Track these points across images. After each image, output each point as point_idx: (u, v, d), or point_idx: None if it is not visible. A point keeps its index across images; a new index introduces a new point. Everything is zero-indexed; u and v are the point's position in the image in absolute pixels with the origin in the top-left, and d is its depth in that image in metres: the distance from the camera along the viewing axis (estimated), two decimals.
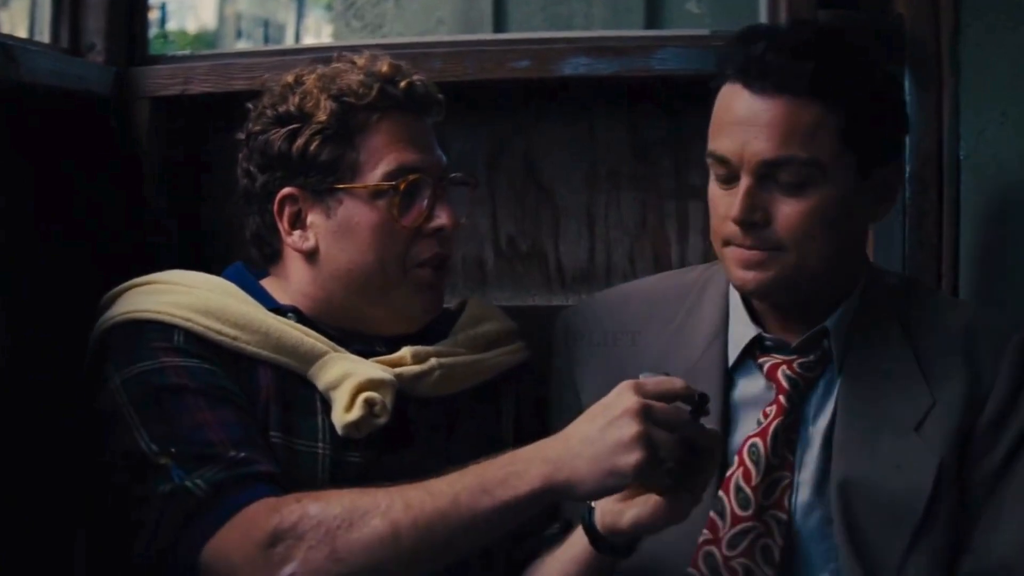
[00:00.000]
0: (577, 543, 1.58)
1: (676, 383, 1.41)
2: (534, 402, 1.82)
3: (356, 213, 1.66)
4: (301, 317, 1.67)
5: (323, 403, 1.63)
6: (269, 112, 1.69)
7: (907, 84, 1.96)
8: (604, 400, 1.40)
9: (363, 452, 1.61)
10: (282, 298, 1.70)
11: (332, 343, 1.65)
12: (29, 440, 1.78)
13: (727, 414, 1.67)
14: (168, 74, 2.06)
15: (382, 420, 1.61)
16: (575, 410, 1.46)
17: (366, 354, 1.66)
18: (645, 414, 1.37)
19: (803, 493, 1.63)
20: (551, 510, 1.65)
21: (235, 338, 1.61)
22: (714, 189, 1.64)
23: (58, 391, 1.76)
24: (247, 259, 1.77)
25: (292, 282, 1.71)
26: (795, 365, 1.66)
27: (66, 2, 2.02)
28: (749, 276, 1.61)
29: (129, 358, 1.58)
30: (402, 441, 1.65)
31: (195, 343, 1.59)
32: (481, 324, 1.79)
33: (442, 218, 1.68)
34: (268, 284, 1.73)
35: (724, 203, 1.61)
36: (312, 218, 1.67)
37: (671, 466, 1.40)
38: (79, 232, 1.96)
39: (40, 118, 1.88)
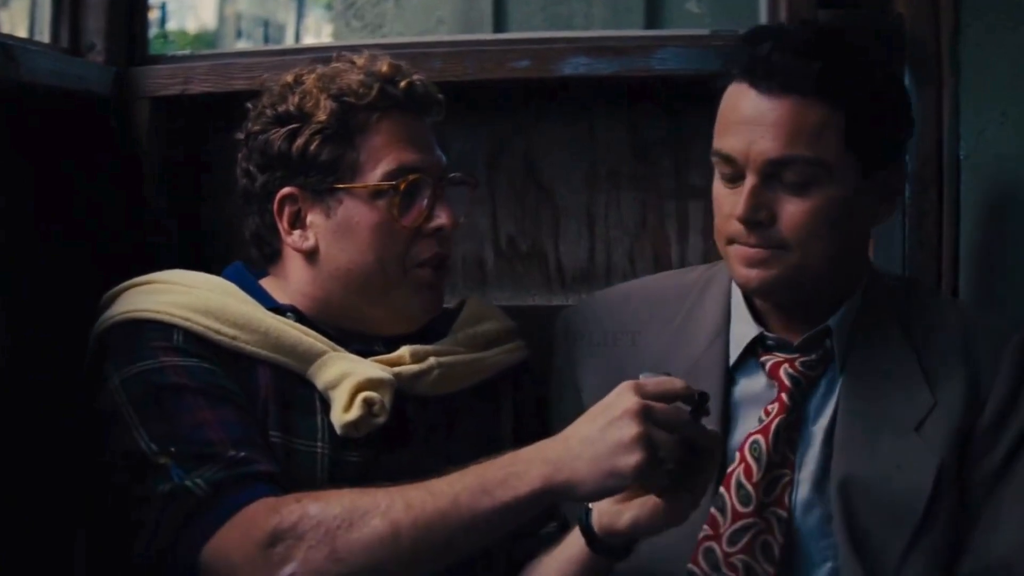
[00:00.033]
0: (574, 543, 1.58)
1: (676, 383, 1.41)
2: (533, 401, 1.82)
3: (356, 213, 1.66)
4: (300, 317, 1.67)
5: (322, 402, 1.62)
6: (269, 112, 1.69)
7: (907, 84, 1.96)
8: (604, 401, 1.40)
9: (362, 451, 1.61)
10: (281, 298, 1.70)
11: (331, 342, 1.65)
12: (29, 440, 1.78)
13: (728, 412, 1.68)
14: (168, 74, 2.06)
15: (381, 419, 1.61)
16: (576, 410, 1.46)
17: (365, 353, 1.66)
18: (645, 415, 1.36)
19: (803, 491, 1.64)
20: (549, 509, 1.65)
21: (234, 337, 1.61)
22: (719, 188, 1.64)
23: (58, 391, 1.76)
24: (247, 259, 1.77)
25: (291, 282, 1.71)
26: (797, 364, 1.66)
27: (66, 2, 2.02)
28: (752, 274, 1.61)
29: (128, 358, 1.57)
30: (401, 440, 1.65)
31: (194, 342, 1.59)
32: (480, 323, 1.79)
33: (442, 218, 1.68)
34: (267, 284, 1.72)
35: (729, 202, 1.61)
36: (312, 218, 1.67)
37: (671, 467, 1.40)
38: (79, 232, 1.96)
39: (40, 118, 1.88)
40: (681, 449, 1.39)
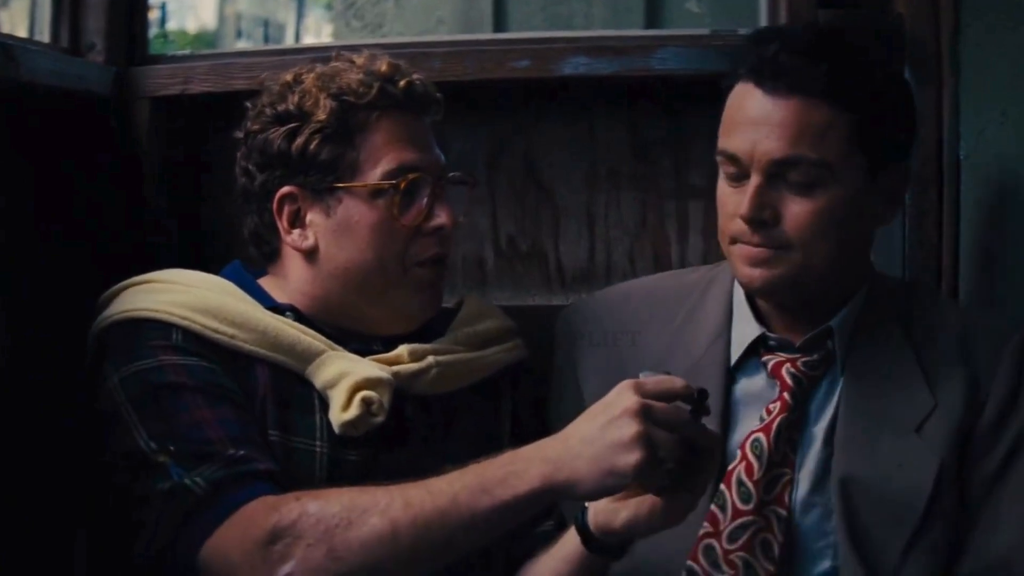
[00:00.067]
0: (570, 542, 1.58)
1: (676, 382, 1.41)
2: (532, 400, 1.82)
3: (356, 212, 1.66)
4: (299, 316, 1.67)
5: (321, 401, 1.62)
6: (268, 111, 1.69)
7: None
8: (604, 400, 1.40)
9: (361, 450, 1.61)
10: (280, 297, 1.70)
11: (329, 342, 1.65)
12: (29, 440, 1.78)
13: (728, 411, 1.68)
14: (168, 74, 2.06)
15: (379, 419, 1.61)
16: (576, 409, 1.46)
17: (363, 353, 1.66)
18: (645, 414, 1.36)
19: (802, 489, 1.64)
20: (547, 507, 1.65)
21: (233, 336, 1.61)
22: (723, 187, 1.64)
23: (58, 391, 1.76)
24: (247, 259, 1.77)
25: (290, 281, 1.71)
26: (799, 364, 1.66)
27: (66, 2, 2.02)
28: (756, 274, 1.62)
29: (127, 357, 1.57)
30: (400, 439, 1.65)
31: (193, 341, 1.59)
32: (479, 322, 1.79)
33: (441, 217, 1.68)
34: (266, 283, 1.73)
35: (733, 201, 1.62)
36: (311, 217, 1.67)
37: (671, 466, 1.40)
38: (79, 232, 1.96)
39: (40, 118, 1.88)
40: (681, 448, 1.39)
